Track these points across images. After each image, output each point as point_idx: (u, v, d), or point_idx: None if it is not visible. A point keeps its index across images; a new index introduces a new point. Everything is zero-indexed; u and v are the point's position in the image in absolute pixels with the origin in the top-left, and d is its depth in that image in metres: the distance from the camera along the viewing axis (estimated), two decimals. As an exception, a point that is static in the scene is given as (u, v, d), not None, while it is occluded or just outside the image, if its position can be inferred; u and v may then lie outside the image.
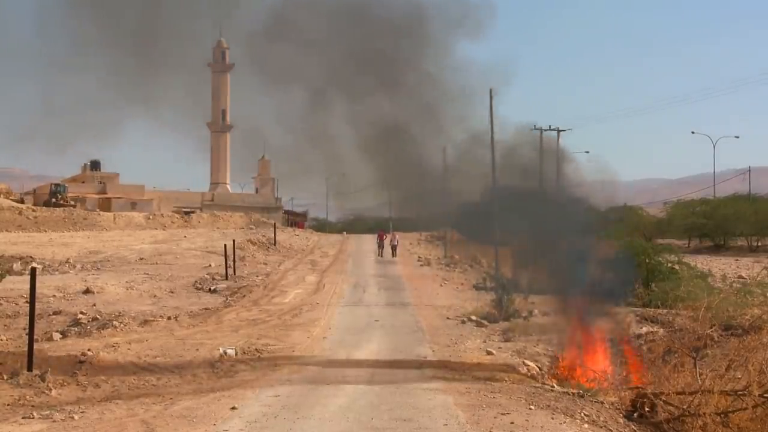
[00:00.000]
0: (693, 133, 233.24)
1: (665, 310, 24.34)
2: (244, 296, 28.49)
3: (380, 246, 49.61)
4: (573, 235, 18.17)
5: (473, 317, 23.39)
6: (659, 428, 12.26)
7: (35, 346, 14.84)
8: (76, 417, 11.38)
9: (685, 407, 12.21)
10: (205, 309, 24.95)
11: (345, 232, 75.81)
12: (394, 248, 48.75)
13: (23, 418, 11.46)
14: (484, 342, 19.76)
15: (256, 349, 17.59)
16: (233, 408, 11.72)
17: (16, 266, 33.89)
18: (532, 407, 12.04)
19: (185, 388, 13.69)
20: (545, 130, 55.80)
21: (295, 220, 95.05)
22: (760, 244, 61.96)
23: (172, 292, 29.15)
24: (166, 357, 16.51)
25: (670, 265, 32.03)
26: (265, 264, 41.13)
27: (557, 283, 18.51)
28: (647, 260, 31.27)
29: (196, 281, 32.13)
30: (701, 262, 41.89)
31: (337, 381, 14.05)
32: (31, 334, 14.54)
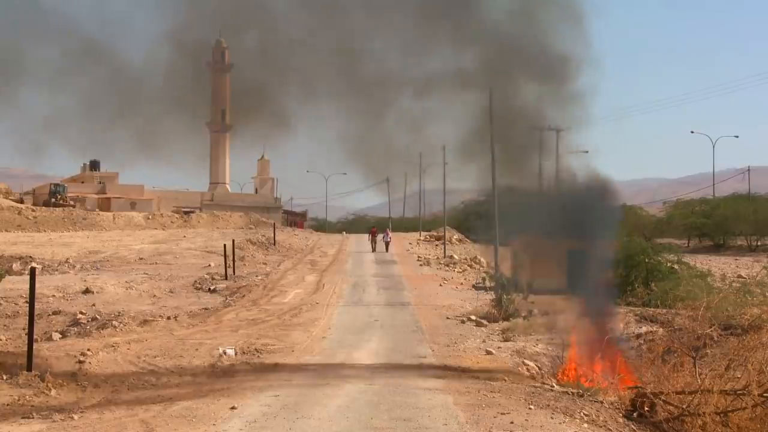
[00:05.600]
0: (692, 132, 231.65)
1: (665, 310, 24.33)
2: (243, 296, 28.49)
3: (373, 242, 52.78)
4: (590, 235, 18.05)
5: (473, 317, 23.39)
6: (659, 428, 12.26)
7: (35, 346, 14.84)
8: (75, 417, 11.37)
9: (684, 407, 12.21)
10: (205, 309, 24.95)
11: (344, 232, 75.87)
12: (387, 244, 51.69)
13: (23, 418, 11.45)
14: (484, 342, 19.76)
15: (255, 349, 17.59)
16: (233, 408, 11.72)
17: (16, 266, 33.91)
18: (532, 407, 12.04)
19: (185, 388, 13.68)
20: (544, 129, 55.93)
21: (295, 219, 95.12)
22: (759, 243, 62.02)
23: (171, 292, 29.16)
24: (166, 357, 16.50)
25: (669, 264, 32.05)
26: (265, 264, 41.14)
27: (566, 282, 18.43)
28: (647, 260, 31.30)
29: (195, 281, 32.14)
30: (701, 262, 41.93)
31: (337, 380, 14.04)
32: (30, 334, 14.53)
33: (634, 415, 12.55)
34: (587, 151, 21.91)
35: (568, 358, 17.83)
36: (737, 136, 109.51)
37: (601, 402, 12.90)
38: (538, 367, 17.50)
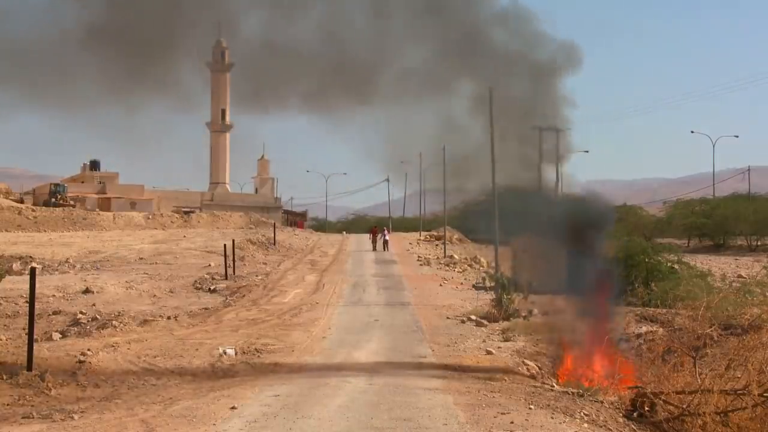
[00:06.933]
0: (692, 132, 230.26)
1: (665, 310, 24.34)
2: (243, 296, 28.48)
3: (374, 241, 53.79)
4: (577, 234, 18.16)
5: (473, 317, 23.39)
6: (659, 428, 12.26)
7: (35, 346, 14.84)
8: (75, 417, 11.37)
9: (684, 406, 12.21)
10: (205, 309, 24.96)
11: (344, 232, 75.92)
12: (385, 243, 52.58)
13: (23, 418, 11.45)
14: (484, 342, 19.76)
15: (255, 349, 17.59)
16: (233, 408, 11.71)
17: (16, 266, 33.88)
18: (532, 407, 12.03)
19: (185, 388, 13.68)
20: (544, 129, 55.99)
21: (295, 219, 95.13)
22: (759, 243, 61.98)
23: (171, 292, 29.15)
24: (166, 357, 16.51)
25: (669, 264, 32.05)
26: (265, 264, 41.13)
27: (561, 281, 18.51)
28: (647, 260, 31.29)
29: (195, 281, 32.13)
30: (701, 262, 41.92)
31: (337, 380, 14.03)
32: (30, 333, 14.54)
33: (634, 415, 12.55)
34: (587, 151, 21.95)
35: (568, 358, 17.84)
36: (737, 136, 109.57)
37: (601, 402, 12.90)
38: (538, 367, 17.49)
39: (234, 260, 36.49)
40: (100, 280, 30.32)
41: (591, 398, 13.05)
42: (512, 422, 11.01)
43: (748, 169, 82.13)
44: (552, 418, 11.45)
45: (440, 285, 33.75)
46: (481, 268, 41.65)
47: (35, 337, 15.40)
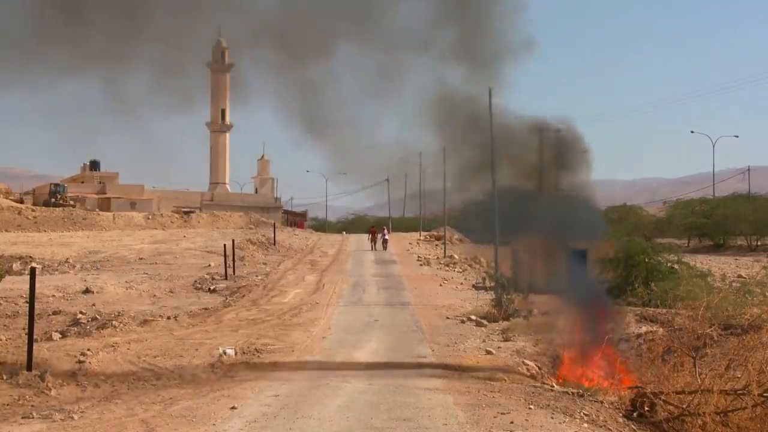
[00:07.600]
0: (692, 132, 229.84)
1: (665, 310, 24.35)
2: (243, 296, 28.48)
3: (372, 241, 54.10)
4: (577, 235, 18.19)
5: (473, 317, 23.39)
6: (659, 428, 12.27)
7: (35, 346, 14.84)
8: (75, 417, 11.37)
9: (684, 406, 12.22)
10: (205, 309, 24.95)
11: (344, 232, 75.93)
12: (384, 242, 53.01)
13: (23, 418, 11.45)
14: (484, 342, 19.76)
15: (255, 349, 17.59)
16: (233, 408, 11.72)
17: (16, 266, 33.89)
18: (532, 407, 12.04)
19: (185, 388, 13.68)
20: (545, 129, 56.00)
21: (295, 219, 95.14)
22: (759, 243, 61.96)
23: (171, 292, 29.15)
24: (166, 357, 16.50)
25: (669, 264, 32.09)
26: (265, 264, 41.12)
27: (560, 281, 18.53)
28: (647, 260, 31.33)
29: (195, 281, 32.13)
30: (701, 262, 41.94)
31: (337, 380, 14.05)
32: (30, 333, 14.53)
33: (634, 415, 12.56)
34: (587, 151, 21.94)
35: (568, 358, 17.85)
36: (737, 136, 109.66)
37: (601, 402, 12.91)
38: (538, 367, 17.50)
39: (234, 260, 36.49)
40: (100, 280, 30.32)
41: (591, 398, 13.06)
42: (512, 422, 11.02)
43: (748, 169, 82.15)
44: (552, 418, 11.46)
45: (440, 285, 33.75)
46: (481, 268, 41.62)
47: (35, 337, 15.39)
